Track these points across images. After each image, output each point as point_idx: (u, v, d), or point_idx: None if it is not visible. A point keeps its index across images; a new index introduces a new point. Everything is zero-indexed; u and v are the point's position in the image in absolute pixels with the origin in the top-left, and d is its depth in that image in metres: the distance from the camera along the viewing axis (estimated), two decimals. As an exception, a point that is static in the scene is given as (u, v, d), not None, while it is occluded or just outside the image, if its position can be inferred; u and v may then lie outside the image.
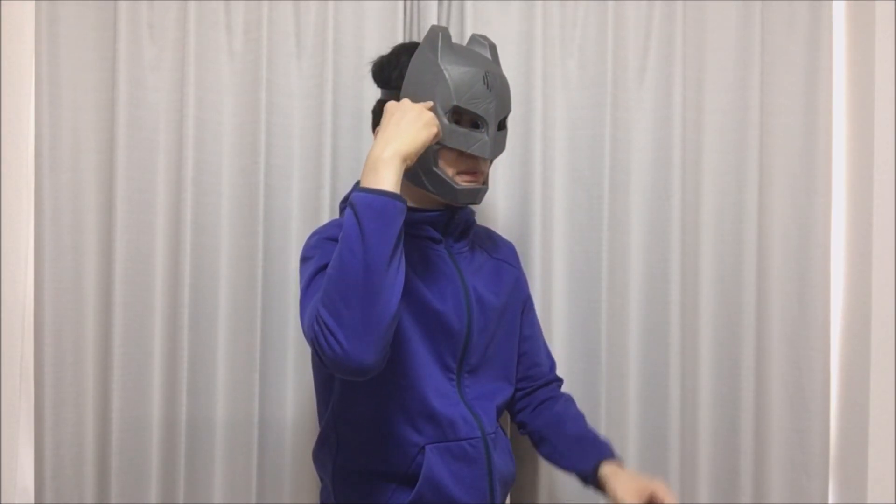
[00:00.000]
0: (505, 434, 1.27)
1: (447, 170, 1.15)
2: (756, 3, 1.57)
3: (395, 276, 0.97)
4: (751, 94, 1.56)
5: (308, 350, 1.43)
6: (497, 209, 1.56)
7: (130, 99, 1.50)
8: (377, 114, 1.23)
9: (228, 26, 1.54)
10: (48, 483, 1.47)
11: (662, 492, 1.11)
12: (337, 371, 0.97)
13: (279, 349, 1.53)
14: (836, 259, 1.60)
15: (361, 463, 1.15)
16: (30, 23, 1.50)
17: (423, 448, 1.13)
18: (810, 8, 1.56)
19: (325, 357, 0.95)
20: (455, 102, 1.11)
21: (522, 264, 1.40)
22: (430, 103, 1.09)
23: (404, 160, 1.01)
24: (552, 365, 1.38)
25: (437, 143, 1.13)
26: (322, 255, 1.08)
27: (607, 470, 1.17)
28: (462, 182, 1.16)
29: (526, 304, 1.35)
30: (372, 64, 1.24)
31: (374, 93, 1.24)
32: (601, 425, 1.54)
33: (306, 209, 1.53)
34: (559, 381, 1.38)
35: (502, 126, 1.20)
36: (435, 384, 1.15)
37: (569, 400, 1.34)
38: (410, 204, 1.20)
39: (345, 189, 1.48)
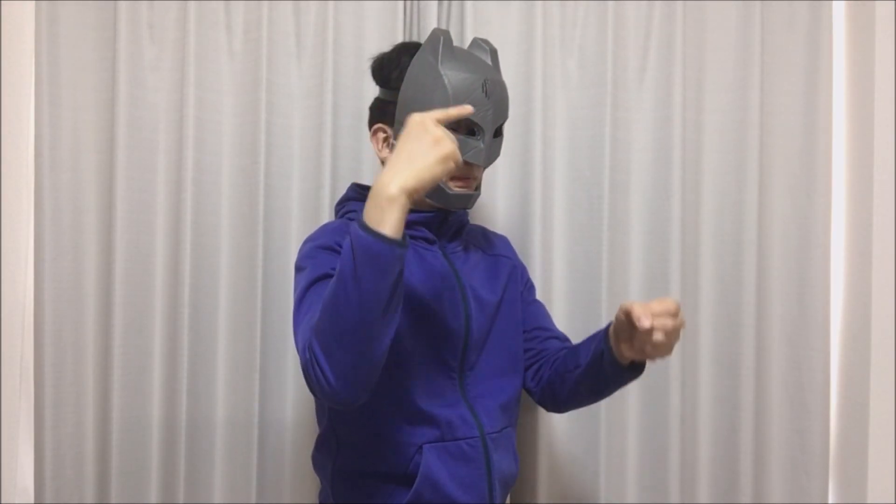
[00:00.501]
0: (513, 433, 1.26)
1: None
2: (756, 3, 1.57)
3: (391, 321, 0.94)
4: (751, 94, 1.56)
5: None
6: (497, 209, 1.56)
7: (130, 99, 1.50)
8: (374, 111, 1.23)
9: (228, 26, 1.54)
10: (48, 483, 1.47)
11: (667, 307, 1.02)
12: (324, 401, 0.97)
13: (279, 349, 1.53)
14: (836, 259, 1.60)
15: (360, 464, 1.15)
16: (30, 23, 1.50)
17: (421, 448, 1.13)
18: (810, 8, 1.57)
19: (313, 387, 0.96)
20: None
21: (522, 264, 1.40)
22: (454, 141, 0.96)
23: (411, 196, 0.92)
24: (565, 337, 1.34)
25: None
26: (315, 265, 1.07)
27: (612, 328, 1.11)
28: (455, 187, 1.16)
29: (526, 284, 1.35)
30: (372, 61, 1.23)
31: (374, 92, 1.24)
32: (601, 425, 1.54)
33: (306, 209, 1.53)
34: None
35: (498, 133, 1.20)
36: (433, 384, 1.15)
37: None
38: None
39: (345, 189, 1.48)
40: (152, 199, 1.53)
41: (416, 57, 1.16)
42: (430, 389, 1.14)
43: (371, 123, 1.23)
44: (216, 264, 1.53)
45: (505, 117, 1.20)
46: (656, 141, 1.56)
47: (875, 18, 1.55)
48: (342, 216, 1.24)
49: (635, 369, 1.14)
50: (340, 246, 1.08)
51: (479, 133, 1.15)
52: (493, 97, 1.15)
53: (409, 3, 1.57)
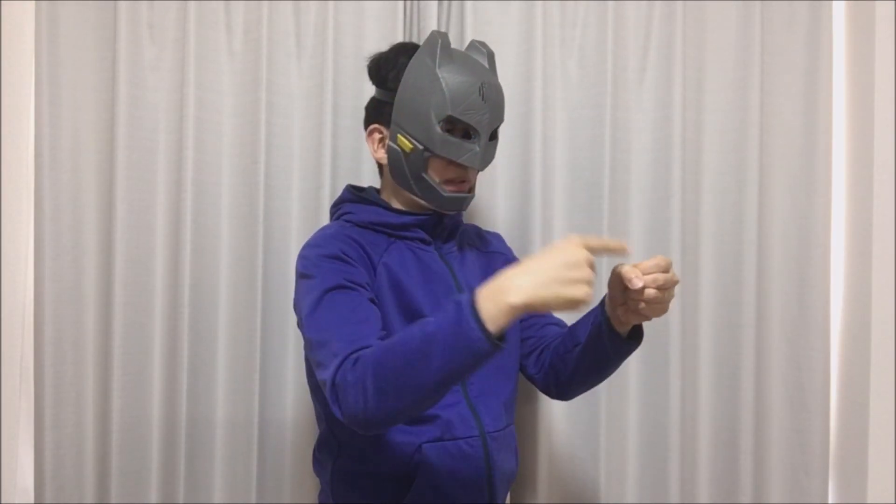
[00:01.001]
0: (514, 430, 1.26)
1: (435, 177, 1.16)
2: (756, 3, 1.57)
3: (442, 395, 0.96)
4: (751, 94, 1.56)
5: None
6: (497, 209, 1.56)
7: (130, 99, 1.50)
8: (371, 112, 1.23)
9: (228, 26, 1.54)
10: (48, 483, 1.47)
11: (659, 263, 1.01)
12: (343, 418, 0.97)
13: (279, 349, 1.53)
14: (836, 259, 1.60)
15: (360, 464, 1.15)
16: (30, 23, 1.50)
17: (421, 447, 1.13)
18: (810, 8, 1.57)
19: (342, 406, 0.96)
20: (450, 112, 1.12)
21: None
22: (592, 284, 0.89)
23: (528, 311, 0.89)
24: (564, 323, 1.34)
25: (428, 151, 1.14)
26: (324, 275, 1.07)
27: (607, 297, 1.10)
28: (449, 190, 1.17)
29: None
30: (369, 60, 1.24)
31: (374, 92, 1.24)
32: (601, 425, 1.54)
33: (306, 209, 1.53)
34: None
35: (494, 136, 1.21)
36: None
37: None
38: (400, 207, 1.22)
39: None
40: (152, 199, 1.53)
41: (413, 59, 1.16)
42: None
43: (367, 123, 1.24)
44: (216, 264, 1.53)
45: (501, 120, 1.20)
46: (656, 141, 1.56)
47: (875, 18, 1.55)
48: (337, 218, 1.24)
49: (634, 338, 1.13)
50: (346, 255, 1.10)
51: (475, 136, 1.15)
52: (490, 100, 1.15)
53: (409, 3, 1.57)
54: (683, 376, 1.55)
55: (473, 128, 1.14)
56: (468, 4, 1.55)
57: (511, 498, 1.52)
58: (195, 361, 1.51)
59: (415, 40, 1.56)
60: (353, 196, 1.25)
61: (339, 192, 1.44)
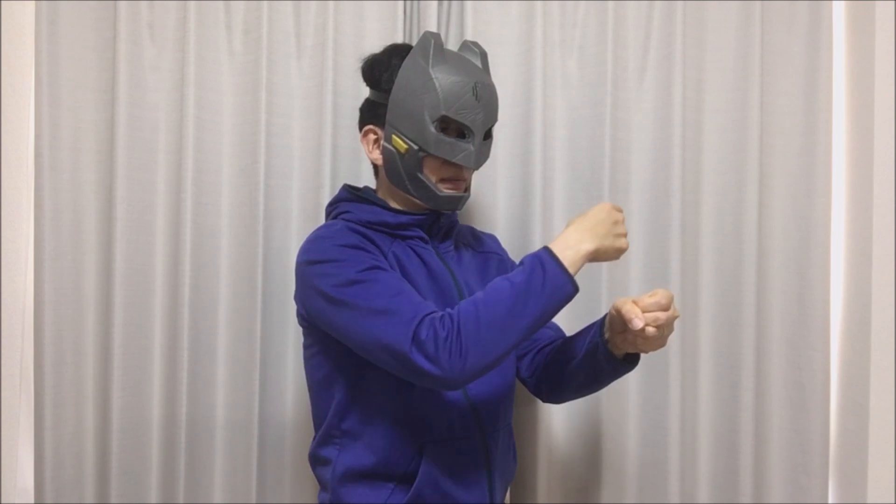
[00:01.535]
0: (512, 429, 1.27)
1: (431, 176, 1.17)
2: (756, 3, 1.57)
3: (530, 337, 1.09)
4: (751, 94, 1.56)
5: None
6: (497, 209, 1.56)
7: (130, 99, 1.50)
8: (365, 113, 1.24)
9: (228, 26, 1.54)
10: (48, 483, 1.47)
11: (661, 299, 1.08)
12: (433, 373, 0.99)
13: (279, 349, 1.53)
14: (836, 259, 1.60)
15: (360, 464, 1.15)
16: (30, 23, 1.50)
17: (421, 447, 1.13)
18: (810, 8, 1.57)
19: (436, 360, 0.98)
20: (443, 112, 1.13)
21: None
22: (622, 216, 1.11)
23: (594, 255, 1.07)
24: (556, 326, 1.37)
25: (423, 151, 1.14)
26: (353, 259, 1.08)
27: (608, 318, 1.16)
28: (444, 189, 1.18)
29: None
30: (363, 62, 1.24)
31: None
32: (601, 425, 1.54)
33: (306, 209, 1.54)
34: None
35: (488, 135, 1.21)
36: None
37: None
38: (397, 207, 1.22)
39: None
40: (152, 199, 1.53)
41: (406, 60, 1.17)
42: (431, 389, 1.14)
43: (362, 125, 1.24)
44: (216, 264, 1.53)
45: (494, 120, 1.21)
46: (656, 141, 1.56)
47: (875, 18, 1.55)
48: (335, 217, 1.25)
49: (630, 361, 1.17)
50: (363, 245, 1.11)
51: (470, 136, 1.16)
52: (483, 100, 1.16)
53: (409, 3, 1.57)
54: (683, 376, 1.55)
55: (468, 127, 1.15)
56: (468, 4, 1.55)
57: (510, 497, 1.52)
58: (195, 361, 1.51)
59: (415, 40, 1.56)
60: (350, 195, 1.25)
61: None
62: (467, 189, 1.22)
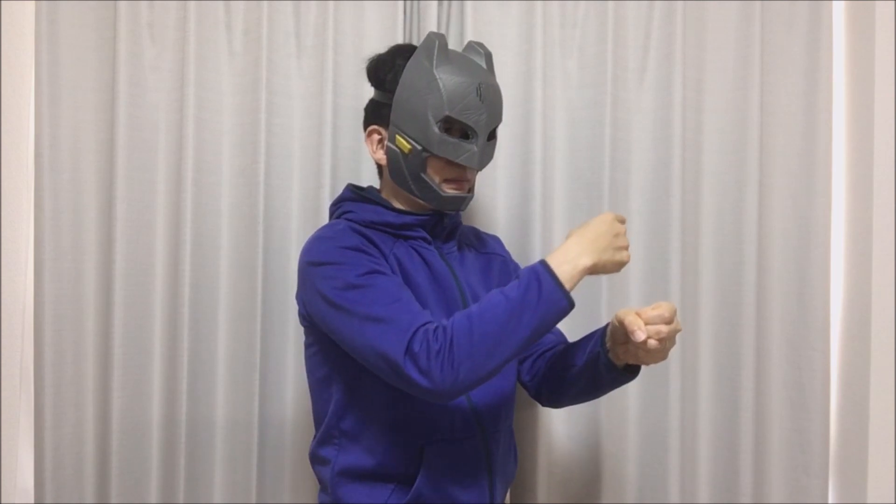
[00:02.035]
0: (512, 430, 1.27)
1: (434, 177, 1.17)
2: (756, 3, 1.57)
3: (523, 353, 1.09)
4: (751, 94, 1.56)
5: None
6: (497, 209, 1.56)
7: (130, 99, 1.50)
8: (369, 113, 1.24)
9: (228, 26, 1.54)
10: (48, 483, 1.47)
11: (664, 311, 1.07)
12: (424, 385, 0.99)
13: (279, 349, 1.53)
14: (836, 259, 1.60)
15: (360, 464, 1.15)
16: (30, 23, 1.50)
17: (422, 448, 1.13)
18: (810, 8, 1.57)
19: (427, 372, 0.98)
20: (447, 112, 1.13)
21: (522, 265, 1.40)
22: (624, 227, 1.09)
23: (592, 270, 1.05)
24: (559, 331, 1.35)
25: (426, 152, 1.14)
26: (353, 262, 1.07)
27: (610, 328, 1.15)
28: (448, 190, 1.18)
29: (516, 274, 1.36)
30: (367, 62, 1.24)
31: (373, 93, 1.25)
32: (601, 425, 1.54)
33: (306, 209, 1.53)
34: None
35: (492, 136, 1.21)
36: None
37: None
38: (401, 207, 1.22)
39: (345, 189, 1.48)
40: (152, 199, 1.53)
41: (411, 60, 1.16)
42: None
43: (366, 125, 1.24)
44: (216, 264, 1.53)
45: (499, 121, 1.21)
46: (656, 141, 1.56)
47: (875, 18, 1.55)
48: (338, 216, 1.24)
49: (631, 371, 1.17)
50: (365, 247, 1.11)
51: (473, 136, 1.16)
52: (488, 101, 1.16)
53: (409, 3, 1.57)
54: (683, 376, 1.55)
55: (471, 128, 1.15)
56: (468, 5, 1.55)
57: (511, 498, 1.52)
58: (195, 361, 1.51)
59: (415, 41, 1.56)
60: (354, 195, 1.25)
61: (339, 192, 1.45)
62: (471, 190, 1.22)
